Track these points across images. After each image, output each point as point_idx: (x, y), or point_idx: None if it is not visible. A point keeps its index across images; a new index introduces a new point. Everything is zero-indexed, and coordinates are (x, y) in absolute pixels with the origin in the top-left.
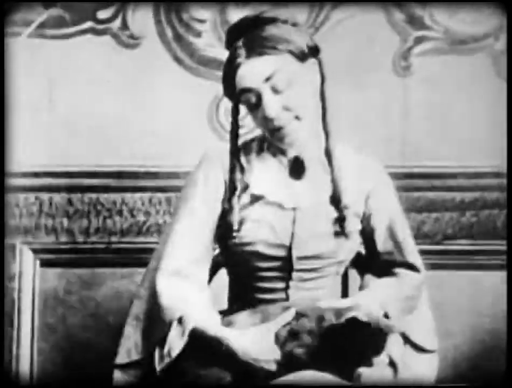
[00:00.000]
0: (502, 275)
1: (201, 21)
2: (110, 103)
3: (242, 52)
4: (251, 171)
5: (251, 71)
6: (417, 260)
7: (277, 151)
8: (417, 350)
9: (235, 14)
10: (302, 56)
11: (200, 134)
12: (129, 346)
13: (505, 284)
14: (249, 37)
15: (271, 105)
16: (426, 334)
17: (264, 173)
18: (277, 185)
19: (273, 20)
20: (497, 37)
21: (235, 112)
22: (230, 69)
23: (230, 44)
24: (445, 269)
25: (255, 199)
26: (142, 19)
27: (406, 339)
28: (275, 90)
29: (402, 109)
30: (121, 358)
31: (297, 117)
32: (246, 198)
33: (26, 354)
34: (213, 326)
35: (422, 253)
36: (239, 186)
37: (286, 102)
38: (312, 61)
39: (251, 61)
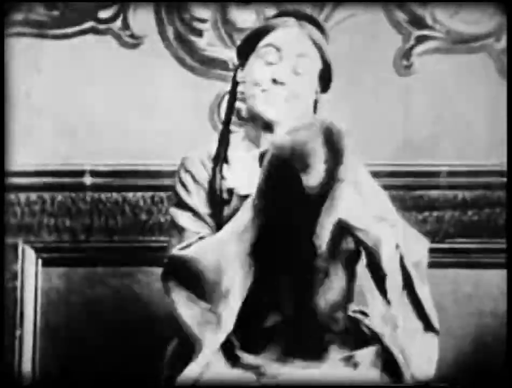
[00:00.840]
0: (503, 274)
1: (202, 20)
2: (112, 102)
3: (291, 20)
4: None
5: (293, 37)
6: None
7: (253, 142)
8: (423, 321)
9: (236, 14)
10: (320, 72)
11: (202, 134)
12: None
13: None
14: (305, 16)
15: (285, 71)
16: (433, 311)
17: (237, 167)
18: (248, 178)
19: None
20: (498, 37)
21: (235, 84)
22: (268, 26)
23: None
24: (447, 267)
25: (230, 193)
26: (143, 19)
27: (417, 307)
28: (294, 70)
29: (403, 108)
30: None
31: (287, 100)
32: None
33: (28, 353)
34: None
35: None
36: (221, 162)
37: (293, 83)
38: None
39: (298, 30)
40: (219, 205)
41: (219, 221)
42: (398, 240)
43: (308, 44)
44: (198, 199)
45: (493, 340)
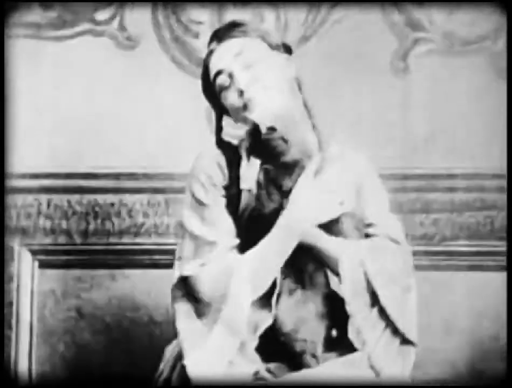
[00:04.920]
0: (500, 276)
1: (199, 22)
2: (108, 104)
3: (213, 42)
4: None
5: (222, 53)
6: (395, 231)
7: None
8: (397, 335)
9: (233, 15)
10: (274, 46)
11: (198, 136)
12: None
13: (504, 285)
14: (220, 29)
15: (242, 77)
16: (411, 324)
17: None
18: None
19: (245, 24)
20: (495, 39)
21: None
22: (206, 68)
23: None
24: (444, 270)
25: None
26: (139, 21)
27: (389, 321)
28: (245, 66)
29: (400, 110)
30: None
31: (265, 88)
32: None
33: (24, 355)
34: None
35: (420, 254)
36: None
37: (256, 74)
38: (285, 56)
39: (222, 45)
40: (235, 204)
41: (235, 222)
42: (365, 256)
43: (241, 40)
44: (214, 199)
45: (492, 343)
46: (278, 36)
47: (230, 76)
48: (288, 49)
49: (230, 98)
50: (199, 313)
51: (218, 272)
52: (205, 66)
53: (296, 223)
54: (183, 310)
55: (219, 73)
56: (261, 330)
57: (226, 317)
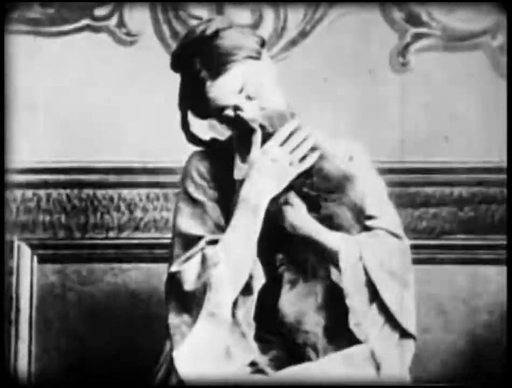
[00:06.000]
0: (500, 270)
1: (198, 18)
2: (107, 100)
3: (204, 74)
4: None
5: (223, 90)
6: (394, 226)
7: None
8: (396, 329)
9: (233, 12)
10: (258, 55)
11: (197, 131)
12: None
13: (504, 278)
14: (203, 59)
15: (251, 111)
16: (410, 319)
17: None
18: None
19: (216, 33)
20: (494, 35)
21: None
22: (196, 93)
23: (178, 67)
24: (443, 264)
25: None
26: (138, 16)
27: (389, 315)
28: (249, 98)
29: (400, 105)
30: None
31: (262, 101)
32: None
33: (24, 350)
34: None
35: (420, 247)
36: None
37: (262, 103)
38: (268, 60)
39: (218, 81)
40: (229, 197)
41: (230, 215)
42: (364, 250)
43: (236, 72)
44: (205, 195)
45: (492, 337)
46: (251, 38)
47: (237, 108)
48: (263, 42)
49: (239, 127)
50: (187, 307)
51: (199, 263)
52: (197, 96)
53: (251, 195)
54: (173, 306)
55: (224, 107)
56: (257, 289)
57: (209, 308)
